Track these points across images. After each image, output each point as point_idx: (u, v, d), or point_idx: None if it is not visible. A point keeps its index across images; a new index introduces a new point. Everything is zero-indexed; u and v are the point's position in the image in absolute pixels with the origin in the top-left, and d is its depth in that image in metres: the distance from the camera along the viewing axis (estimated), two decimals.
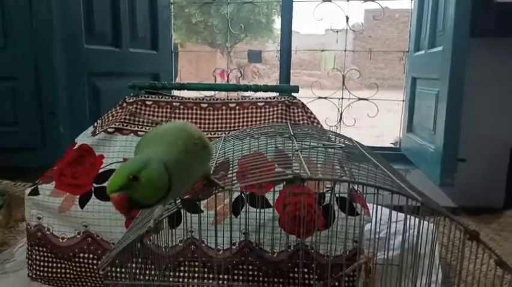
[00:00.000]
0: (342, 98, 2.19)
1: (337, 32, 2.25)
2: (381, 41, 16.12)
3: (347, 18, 2.11)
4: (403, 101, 2.10)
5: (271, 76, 14.50)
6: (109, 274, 0.63)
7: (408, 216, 0.82)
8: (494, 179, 1.87)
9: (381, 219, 1.15)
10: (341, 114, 2.21)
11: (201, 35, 14.23)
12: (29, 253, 1.07)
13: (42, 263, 1.05)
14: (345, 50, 2.23)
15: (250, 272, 0.95)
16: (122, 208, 0.49)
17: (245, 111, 1.19)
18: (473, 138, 1.78)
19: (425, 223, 0.90)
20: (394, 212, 0.78)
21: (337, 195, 0.94)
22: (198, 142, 0.58)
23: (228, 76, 2.55)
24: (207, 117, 1.19)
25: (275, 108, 1.18)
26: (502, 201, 1.88)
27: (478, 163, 1.82)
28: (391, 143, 2.54)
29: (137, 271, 0.85)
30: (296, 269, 0.94)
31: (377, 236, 1.14)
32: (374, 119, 2.20)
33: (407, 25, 2.07)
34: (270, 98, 1.22)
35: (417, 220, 0.78)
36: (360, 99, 2.16)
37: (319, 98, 2.18)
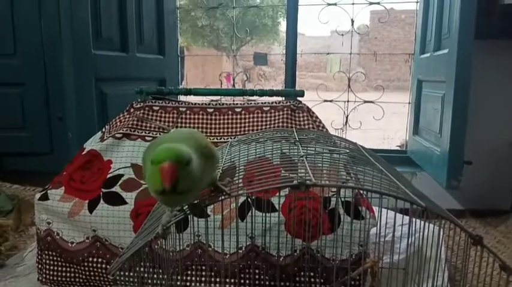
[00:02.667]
0: (348, 101, 2.19)
1: (342, 35, 2.26)
2: (387, 42, 16.08)
3: (352, 21, 2.12)
4: (409, 103, 2.10)
5: (277, 79, 14.51)
6: (118, 278, 0.64)
7: (414, 219, 0.82)
8: (501, 182, 1.86)
9: (386, 223, 1.15)
10: (347, 117, 2.21)
11: (207, 38, 14.27)
12: (39, 257, 1.09)
13: (52, 268, 1.07)
14: (350, 53, 2.23)
15: (257, 276, 0.96)
16: (173, 176, 0.50)
17: (251, 115, 1.20)
18: (479, 140, 1.77)
19: (431, 225, 0.91)
20: (399, 216, 0.78)
21: (342, 199, 0.95)
22: (206, 151, 0.59)
23: (234, 79, 2.56)
24: (213, 122, 1.21)
25: (280, 113, 1.19)
26: (509, 203, 1.87)
27: (484, 165, 1.81)
28: (398, 146, 2.54)
29: (145, 275, 0.87)
30: (302, 273, 0.95)
31: (382, 239, 1.14)
32: (380, 121, 2.20)
33: (414, 26, 2.07)
34: (276, 102, 1.23)
35: (423, 223, 0.79)
36: (365, 102, 2.17)
37: (325, 101, 2.18)
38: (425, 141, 1.82)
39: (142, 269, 0.83)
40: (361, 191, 0.96)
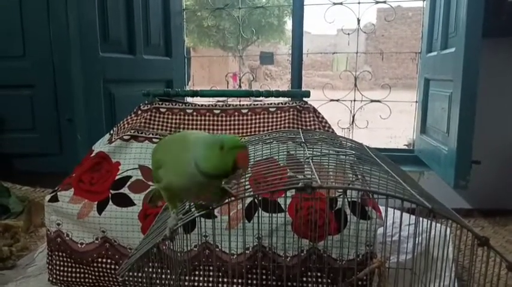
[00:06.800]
0: (354, 100, 2.19)
1: (348, 34, 2.25)
2: (393, 40, 15.98)
3: (358, 20, 2.11)
4: (416, 102, 2.09)
5: (284, 78, 14.50)
6: (127, 279, 0.65)
7: (420, 219, 0.82)
8: (509, 181, 1.85)
9: (393, 222, 1.15)
10: (353, 117, 2.20)
11: (213, 38, 14.29)
12: (49, 258, 1.10)
13: (62, 268, 1.08)
14: (357, 52, 2.22)
15: (264, 277, 0.97)
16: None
17: (257, 117, 1.21)
18: (487, 140, 1.76)
19: (438, 225, 0.90)
20: (406, 215, 0.78)
21: (349, 199, 0.95)
22: None
23: (240, 79, 2.56)
24: (219, 123, 1.21)
25: (287, 114, 1.19)
26: None
27: (492, 164, 1.80)
28: (405, 145, 2.53)
29: (154, 276, 0.87)
30: (309, 274, 0.95)
31: (389, 239, 1.14)
32: (387, 120, 2.20)
33: (421, 24, 2.06)
34: (282, 103, 1.23)
35: (429, 223, 0.79)
36: (372, 101, 2.16)
37: (331, 100, 2.18)
38: (432, 141, 1.81)
39: (150, 269, 0.84)
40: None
